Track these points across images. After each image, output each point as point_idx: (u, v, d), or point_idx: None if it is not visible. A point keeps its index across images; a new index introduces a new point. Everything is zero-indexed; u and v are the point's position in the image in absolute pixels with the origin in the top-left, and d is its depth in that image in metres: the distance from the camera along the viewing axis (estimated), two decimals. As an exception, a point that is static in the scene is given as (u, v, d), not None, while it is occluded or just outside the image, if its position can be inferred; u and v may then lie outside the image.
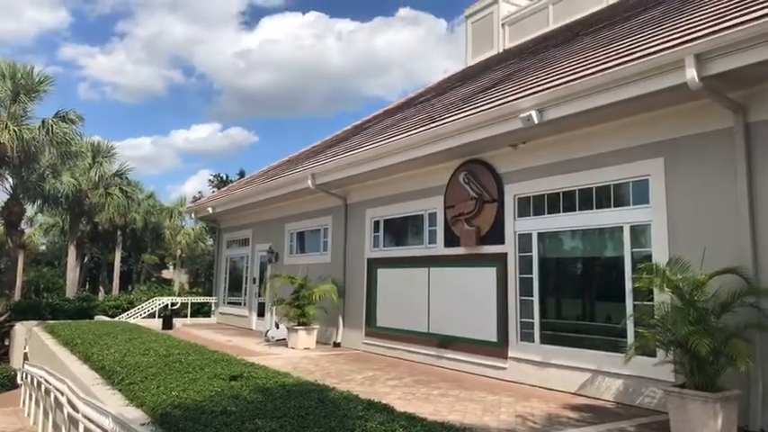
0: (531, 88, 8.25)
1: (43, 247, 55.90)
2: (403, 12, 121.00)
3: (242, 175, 39.54)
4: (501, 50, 16.31)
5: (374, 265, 12.23)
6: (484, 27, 17.19)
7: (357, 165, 11.52)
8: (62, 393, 6.59)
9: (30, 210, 30.40)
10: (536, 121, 7.58)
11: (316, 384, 5.57)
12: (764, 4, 5.78)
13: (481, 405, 6.94)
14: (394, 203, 11.80)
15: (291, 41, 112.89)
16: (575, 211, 8.12)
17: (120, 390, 5.78)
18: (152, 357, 7.16)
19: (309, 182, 12.82)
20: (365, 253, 12.49)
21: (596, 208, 7.84)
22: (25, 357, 14.56)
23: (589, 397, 7.44)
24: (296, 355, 11.50)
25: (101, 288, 40.39)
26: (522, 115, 7.73)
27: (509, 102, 8.22)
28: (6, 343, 18.85)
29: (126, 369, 6.42)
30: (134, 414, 4.75)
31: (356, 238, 12.86)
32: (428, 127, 9.98)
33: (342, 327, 12.96)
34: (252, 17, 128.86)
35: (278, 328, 13.73)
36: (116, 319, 18.76)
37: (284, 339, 12.92)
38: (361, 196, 12.84)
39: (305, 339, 12.45)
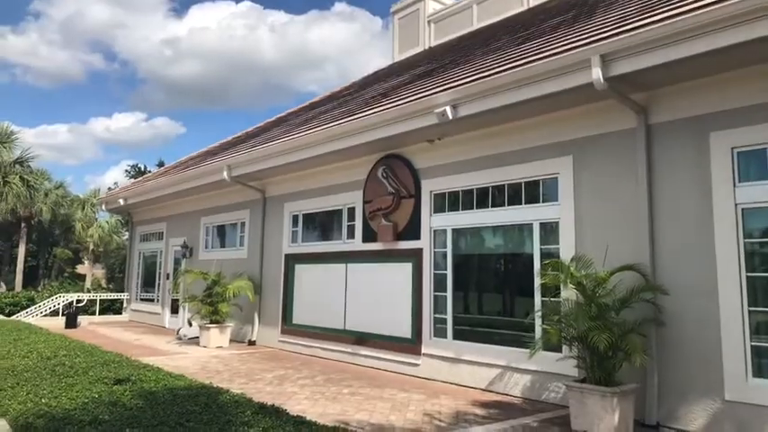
0: (446, 84, 8.18)
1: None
2: (339, 6, 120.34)
3: (161, 165, 37.87)
4: (426, 47, 16.31)
5: (292, 260, 11.88)
6: (410, 24, 17.13)
7: (274, 157, 11.13)
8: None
9: None
10: (450, 117, 7.51)
11: (207, 387, 5.22)
12: (668, 8, 5.93)
13: (390, 403, 6.80)
14: (313, 197, 11.49)
15: (222, 31, 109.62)
16: (488, 207, 8.14)
17: (-16, 397, 5.19)
18: (33, 360, 6.53)
19: (225, 173, 12.29)
20: (283, 248, 12.11)
21: (508, 205, 7.88)
22: None
23: (498, 393, 7.46)
24: (207, 354, 10.98)
25: (2, 284, 37.56)
26: (437, 110, 7.64)
27: (425, 97, 8.11)
28: None
29: (-2, 373, 5.81)
30: (-9, 425, 4.24)
31: (274, 233, 12.45)
32: (347, 120, 9.74)
33: (257, 324, 12.53)
34: (181, 4, 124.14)
35: (191, 325, 13.11)
36: (11, 317, 17.37)
37: (197, 338, 12.35)
38: (279, 190, 12.43)
39: (217, 338, 11.93)
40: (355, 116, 9.64)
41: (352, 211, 10.57)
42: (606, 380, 5.55)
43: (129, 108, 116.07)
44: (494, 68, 7.48)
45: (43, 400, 4.48)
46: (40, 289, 29.62)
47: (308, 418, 4.21)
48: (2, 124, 29.29)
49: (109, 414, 4.05)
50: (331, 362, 10.03)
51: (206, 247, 15.15)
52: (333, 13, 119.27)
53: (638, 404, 5.81)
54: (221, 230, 14.95)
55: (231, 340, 12.21)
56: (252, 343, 12.36)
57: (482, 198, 8.25)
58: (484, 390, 7.64)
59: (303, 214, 11.89)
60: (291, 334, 11.51)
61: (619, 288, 5.84)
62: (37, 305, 19.82)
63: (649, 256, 6.10)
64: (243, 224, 13.73)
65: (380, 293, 9.59)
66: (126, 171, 44.70)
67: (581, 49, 6.10)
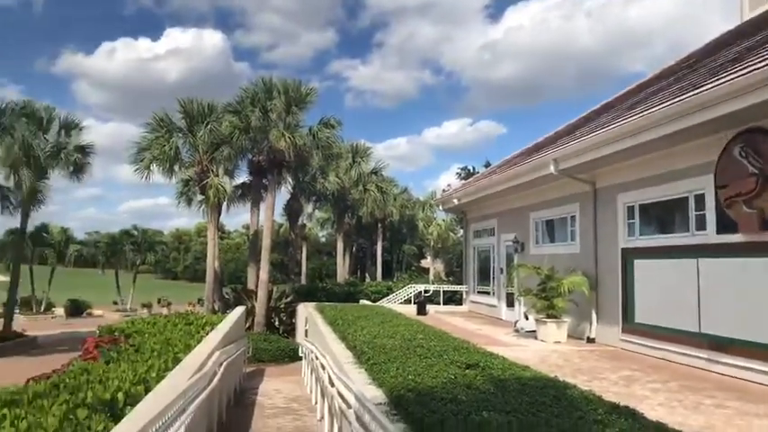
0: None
1: (323, 239, 64.40)
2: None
3: (487, 165, 39.83)
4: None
5: (629, 254, 11.04)
6: (766, -31, 14.15)
7: (603, 146, 10.53)
8: (323, 368, 7.37)
9: (308, 207, 35.23)
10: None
11: (554, 380, 5.19)
12: None
13: (770, 423, 5.70)
14: (650, 186, 10.47)
15: (537, 26, 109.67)
16: None
17: (365, 369, 6.20)
18: (397, 341, 7.57)
19: (552, 168, 12.17)
20: (618, 242, 11.36)
21: None
22: (306, 334, 16.87)
23: None
24: (545, 348, 11.06)
25: (367, 275, 44.74)
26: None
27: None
28: (293, 320, 22.10)
29: (373, 350, 6.89)
30: (373, 393, 5.02)
31: (607, 226, 11.79)
32: (689, 95, 8.57)
33: (595, 321, 12.05)
34: (496, 9, 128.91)
35: (527, 319, 13.39)
36: (376, 303, 20.54)
37: (533, 331, 12.54)
38: (610, 180, 11.71)
39: (555, 332, 11.89)
40: (700, 89, 8.39)
41: (700, 198, 9.26)
42: None
43: (455, 115, 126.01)
44: None
45: (410, 377, 5.14)
46: (394, 280, 34.44)
47: (669, 427, 3.81)
48: (360, 142, 35.14)
49: (465, 395, 4.39)
50: (682, 367, 8.96)
51: (536, 242, 15.28)
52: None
53: None
54: (550, 225, 14.88)
55: (568, 336, 12.02)
56: (591, 340, 11.94)
57: None
58: None
59: (639, 205, 10.93)
60: (634, 333, 10.70)
61: None
62: (394, 294, 23.05)
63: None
64: (573, 218, 13.39)
65: (745, 292, 8.14)
66: (457, 173, 48.43)
67: None
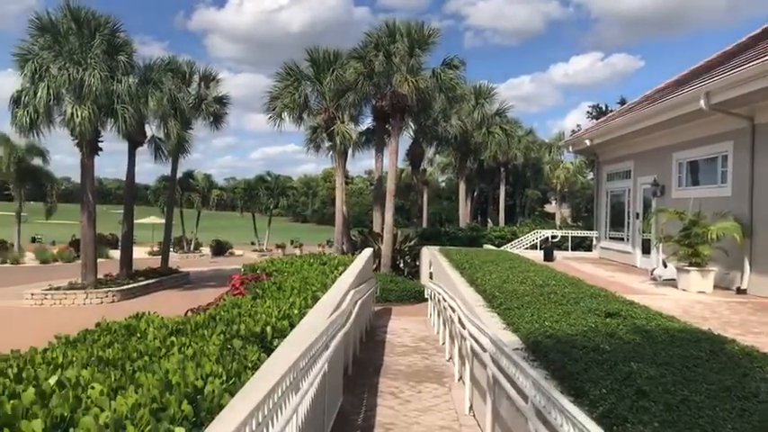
0: None
1: (443, 184, 64.41)
2: None
3: (622, 103, 36.94)
4: None
5: (794, 198, 9.82)
6: None
7: (770, 74, 9.25)
8: (453, 310, 7.45)
9: (429, 151, 35.11)
10: None
11: (708, 333, 4.80)
12: None
13: None
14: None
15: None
16: None
17: (498, 313, 6.15)
18: (528, 286, 7.40)
19: (702, 102, 10.96)
20: (781, 183, 10.12)
21: None
22: (430, 276, 17.14)
23: None
24: (687, 297, 10.31)
25: (489, 220, 44.26)
26: None
27: None
28: (417, 263, 22.54)
29: (504, 294, 6.80)
30: (509, 338, 4.97)
31: (768, 166, 10.51)
32: None
33: (748, 271, 10.98)
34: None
35: (665, 267, 12.54)
36: (500, 248, 20.27)
37: (673, 280, 11.74)
38: (775, 113, 10.35)
39: (698, 282, 11.03)
40: None
41: None
42: None
43: (584, 50, 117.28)
44: None
45: (546, 323, 5.01)
46: (518, 225, 33.72)
47: None
48: (482, 83, 33.90)
49: (608, 345, 4.20)
50: None
51: (679, 185, 14.06)
52: None
53: None
54: (695, 166, 13.59)
55: (715, 286, 11.09)
56: (741, 291, 10.93)
57: None
58: None
59: (812, 141, 9.59)
60: (795, 285, 9.63)
61: None
62: (518, 239, 22.60)
63: None
64: (724, 158, 12.09)
65: None
66: (587, 112, 45.63)
67: None
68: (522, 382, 3.62)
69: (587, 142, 18.46)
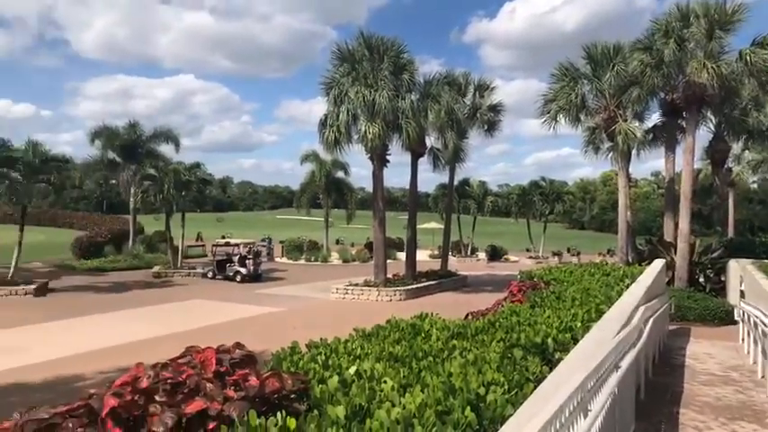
0: None
1: (754, 186, 54.57)
2: None
3: None
4: None
5: None
6: None
7: None
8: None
9: (735, 147, 30.05)
10: None
11: None
12: None
13: None
14: None
15: None
16: None
17: None
18: None
19: None
20: None
21: None
22: (741, 295, 14.51)
23: None
24: None
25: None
26: None
27: None
28: (722, 278, 19.36)
29: None
30: None
31: None
32: None
33: None
34: None
35: None
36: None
37: None
38: None
39: None
40: None
41: None
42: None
43: None
44: None
45: None
46: None
47: None
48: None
49: None
50: None
51: None
52: None
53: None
54: None
55: None
56: None
57: None
58: None
59: None
60: None
61: None
62: None
63: None
64: None
65: None
66: None
67: None
68: None
69: None
